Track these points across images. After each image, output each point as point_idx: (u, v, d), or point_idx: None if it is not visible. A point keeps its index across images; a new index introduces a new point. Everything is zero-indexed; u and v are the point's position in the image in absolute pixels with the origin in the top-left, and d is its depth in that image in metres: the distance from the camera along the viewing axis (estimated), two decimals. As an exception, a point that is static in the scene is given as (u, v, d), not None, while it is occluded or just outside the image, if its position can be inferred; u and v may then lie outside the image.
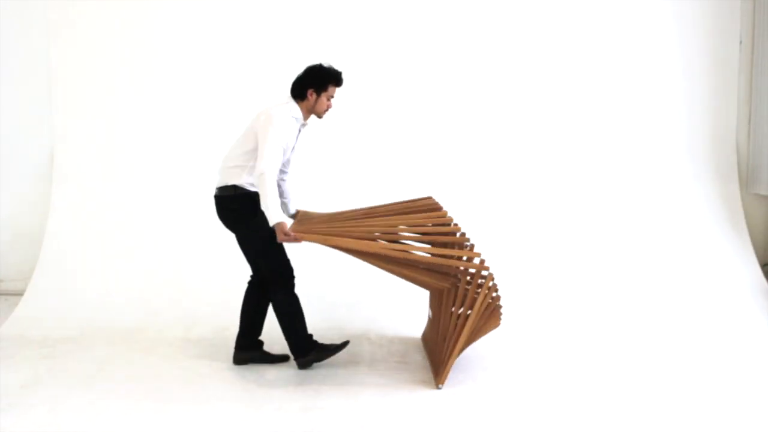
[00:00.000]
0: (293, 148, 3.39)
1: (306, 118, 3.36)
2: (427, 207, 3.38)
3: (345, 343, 3.40)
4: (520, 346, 3.73)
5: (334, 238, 3.06)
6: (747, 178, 5.02)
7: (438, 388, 3.09)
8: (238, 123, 4.82)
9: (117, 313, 4.22)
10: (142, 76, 4.89)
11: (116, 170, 4.87)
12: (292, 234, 3.03)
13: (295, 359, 3.35)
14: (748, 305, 4.36)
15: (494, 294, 3.25)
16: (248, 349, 3.44)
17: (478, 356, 3.54)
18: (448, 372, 3.13)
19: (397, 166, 4.92)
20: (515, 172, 4.94)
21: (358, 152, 4.91)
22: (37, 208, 4.90)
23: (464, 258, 3.25)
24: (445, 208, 3.54)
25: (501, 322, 3.37)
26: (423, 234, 3.24)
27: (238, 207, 3.26)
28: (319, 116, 3.40)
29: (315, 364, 3.36)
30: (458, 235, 3.25)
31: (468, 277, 3.26)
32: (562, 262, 4.70)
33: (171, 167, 4.87)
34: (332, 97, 3.36)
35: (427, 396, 3.02)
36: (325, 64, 3.34)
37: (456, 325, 3.17)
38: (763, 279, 4.65)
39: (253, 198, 3.22)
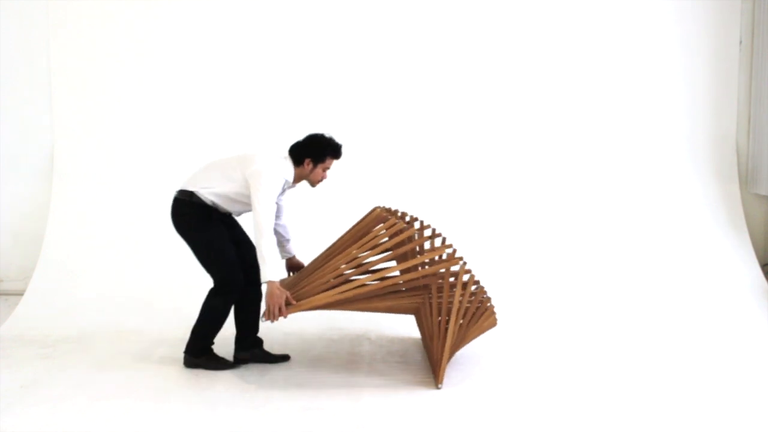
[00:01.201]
0: (279, 199, 3.42)
1: (296, 181, 3.36)
2: (377, 220, 3.27)
3: (244, 361, 3.38)
4: (521, 346, 3.72)
5: (309, 300, 3.04)
6: (747, 178, 5.02)
7: (438, 388, 3.09)
8: (238, 123, 4.88)
9: (117, 313, 4.22)
10: (143, 77, 4.90)
11: (116, 170, 4.87)
12: (284, 310, 2.98)
13: (186, 353, 3.37)
14: (748, 305, 4.36)
15: (474, 287, 3.22)
16: (248, 348, 3.44)
17: (478, 356, 3.54)
18: (443, 371, 3.12)
19: (395, 166, 4.93)
20: (517, 173, 4.95)
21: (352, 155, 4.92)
22: (37, 208, 4.90)
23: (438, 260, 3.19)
24: (397, 210, 3.58)
25: (497, 320, 3.32)
26: (384, 253, 3.19)
27: (189, 212, 3.24)
28: (312, 185, 3.40)
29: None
30: (416, 236, 3.19)
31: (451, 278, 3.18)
32: (563, 262, 4.71)
33: (171, 167, 4.86)
34: (328, 168, 3.35)
35: (427, 396, 3.02)
36: (327, 134, 3.33)
37: (439, 328, 3.14)
38: (763, 279, 4.65)
39: (208, 208, 3.23)
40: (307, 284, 3.14)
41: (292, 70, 4.90)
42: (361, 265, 3.15)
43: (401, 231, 3.13)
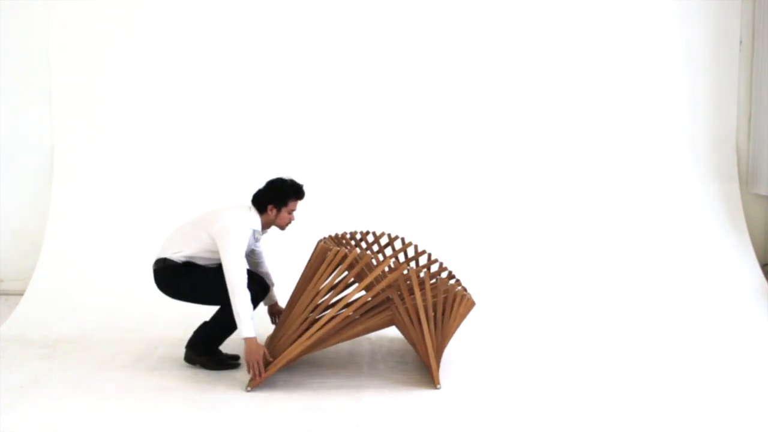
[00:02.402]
0: (254, 245, 3.42)
1: (265, 228, 3.37)
2: (322, 255, 3.20)
3: (234, 364, 3.40)
4: (521, 346, 3.73)
5: (283, 355, 3.07)
6: (747, 178, 5.02)
7: (437, 388, 3.08)
8: (239, 124, 4.88)
9: (117, 313, 4.22)
10: (143, 77, 4.90)
11: (116, 170, 4.87)
12: (263, 368, 3.04)
13: (188, 348, 3.39)
14: (748, 305, 4.36)
15: (434, 281, 3.19)
16: (202, 354, 3.43)
17: (477, 356, 3.54)
18: (437, 373, 3.10)
19: (392, 163, 4.93)
20: (517, 173, 4.94)
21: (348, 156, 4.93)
22: (37, 208, 4.90)
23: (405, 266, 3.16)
24: (345, 234, 3.60)
25: (474, 301, 3.24)
26: (337, 283, 3.19)
27: (168, 276, 3.30)
28: (281, 229, 3.40)
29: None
30: (376, 249, 3.27)
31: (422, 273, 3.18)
32: (563, 262, 4.71)
33: (171, 167, 4.87)
34: (293, 210, 3.35)
35: (427, 396, 3.02)
36: (287, 177, 3.34)
37: (416, 333, 3.13)
38: (763, 279, 4.65)
39: (182, 265, 3.27)
40: (281, 337, 3.16)
41: (292, 72, 4.90)
42: (322, 302, 3.14)
43: (345, 257, 3.10)
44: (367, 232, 3.69)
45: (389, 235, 3.68)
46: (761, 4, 4.88)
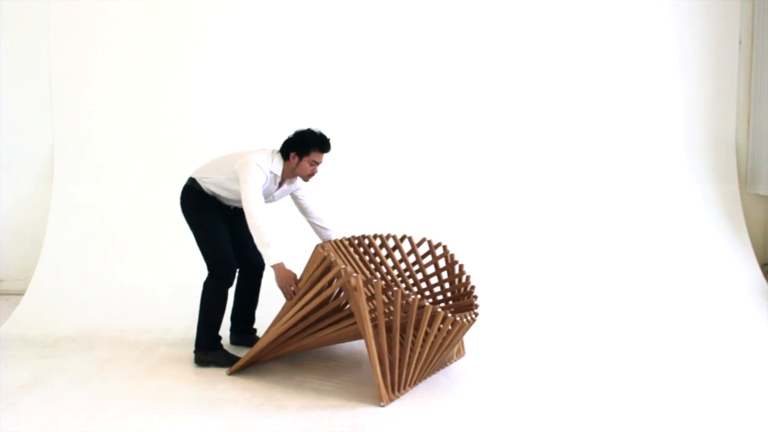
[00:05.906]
0: (286, 193, 3.47)
1: (287, 176, 3.36)
2: (316, 261, 3.07)
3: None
4: (521, 346, 3.73)
5: (247, 353, 3.16)
6: (746, 178, 5.03)
7: (380, 405, 2.90)
8: (241, 124, 4.88)
9: (117, 312, 4.22)
10: (143, 76, 4.90)
11: (117, 170, 4.87)
12: (296, 287, 3.05)
13: (195, 351, 3.41)
14: (748, 305, 4.36)
15: (390, 293, 3.13)
16: (240, 333, 3.67)
17: (477, 356, 3.54)
18: (382, 386, 2.92)
19: (395, 161, 4.94)
20: (514, 175, 4.95)
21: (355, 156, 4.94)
22: (37, 208, 4.91)
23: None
24: (343, 240, 3.55)
25: (478, 311, 3.15)
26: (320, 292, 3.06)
27: (191, 197, 3.40)
28: (304, 180, 3.41)
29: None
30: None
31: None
32: (562, 263, 4.71)
33: (171, 167, 4.87)
34: (317, 162, 3.33)
35: (427, 396, 3.02)
36: (315, 129, 3.33)
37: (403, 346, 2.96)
38: (763, 279, 4.66)
39: (208, 197, 3.37)
40: (262, 344, 3.21)
41: (292, 71, 4.91)
42: (305, 305, 3.05)
43: (330, 267, 2.95)
44: (365, 237, 3.63)
45: (392, 236, 3.63)
46: (761, 4, 4.88)
